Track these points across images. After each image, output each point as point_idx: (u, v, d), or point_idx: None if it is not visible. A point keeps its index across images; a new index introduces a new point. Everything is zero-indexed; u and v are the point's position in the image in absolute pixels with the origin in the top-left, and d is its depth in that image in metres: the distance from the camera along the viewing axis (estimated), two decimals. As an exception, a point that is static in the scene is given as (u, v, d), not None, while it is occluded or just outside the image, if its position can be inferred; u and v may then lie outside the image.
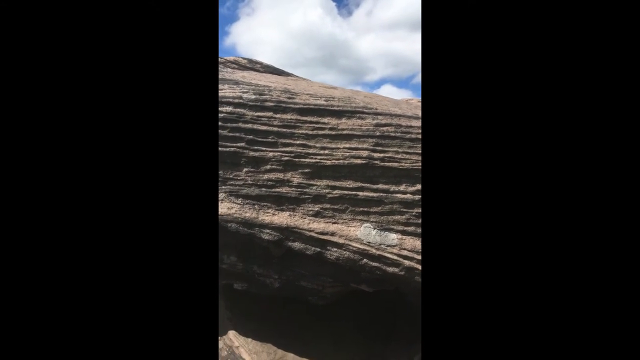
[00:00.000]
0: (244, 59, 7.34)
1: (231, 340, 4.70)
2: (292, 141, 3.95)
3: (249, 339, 4.65)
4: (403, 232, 3.84)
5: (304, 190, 3.92)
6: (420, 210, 3.78)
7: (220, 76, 5.02)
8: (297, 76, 7.08)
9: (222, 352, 4.74)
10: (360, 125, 3.94)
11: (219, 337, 4.98)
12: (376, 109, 4.07)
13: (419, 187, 3.83)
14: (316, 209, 3.91)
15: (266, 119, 3.97)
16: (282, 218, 3.89)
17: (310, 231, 3.85)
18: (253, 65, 7.06)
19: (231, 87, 4.30)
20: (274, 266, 4.19)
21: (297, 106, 4.01)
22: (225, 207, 3.91)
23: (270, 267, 4.20)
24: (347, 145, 3.91)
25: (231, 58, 7.55)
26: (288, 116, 3.99)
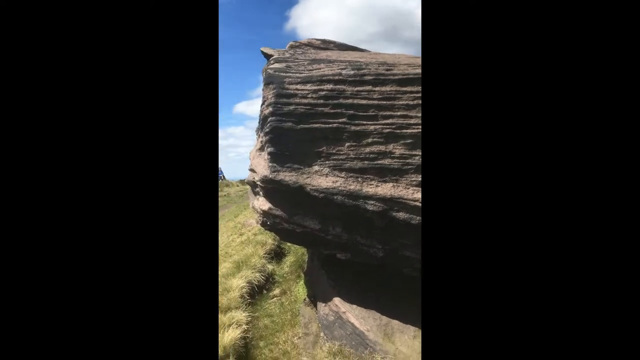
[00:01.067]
0: (316, 40, 7.42)
1: (337, 306, 5.01)
2: (392, 113, 3.98)
3: (354, 306, 4.91)
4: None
5: (407, 160, 3.95)
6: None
7: (312, 57, 5.19)
8: (370, 52, 7.00)
9: (329, 317, 5.08)
10: (464, 91, 3.81)
11: (325, 304, 5.34)
12: (480, 72, 3.90)
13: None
14: (419, 179, 3.93)
15: (365, 93, 4.04)
16: (385, 189, 3.98)
17: (414, 201, 3.89)
18: (327, 46, 7.13)
19: (328, 65, 4.43)
20: (377, 236, 4.32)
21: (396, 77, 4.00)
22: (331, 181, 4.12)
23: (374, 237, 4.34)
24: (451, 113, 3.82)
25: (305, 41, 7.69)
26: (387, 88, 4.02)
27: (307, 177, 4.21)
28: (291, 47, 9.12)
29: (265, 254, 8.09)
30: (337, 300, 5.08)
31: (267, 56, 6.14)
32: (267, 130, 4.28)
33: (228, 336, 4.67)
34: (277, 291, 6.90)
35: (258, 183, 4.72)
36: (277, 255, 8.84)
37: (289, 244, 9.39)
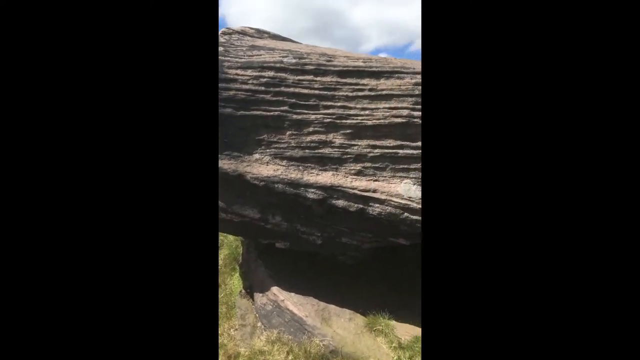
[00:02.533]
0: (250, 28, 7.29)
1: (275, 294, 5.02)
2: (333, 103, 4.08)
3: (292, 293, 4.97)
4: (442, 187, 4.05)
5: (346, 150, 4.10)
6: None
7: (249, 43, 5.08)
8: (306, 45, 7.08)
9: (267, 307, 5.08)
10: (399, 85, 4.06)
11: (262, 294, 5.31)
12: (414, 68, 4.18)
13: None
14: (358, 168, 4.10)
15: (307, 82, 4.09)
16: (325, 177, 4.09)
17: (353, 189, 4.06)
18: (261, 35, 7.03)
19: (268, 52, 4.38)
20: (317, 224, 4.43)
21: (337, 68, 4.11)
22: (272, 170, 4.10)
23: (313, 225, 4.44)
24: (387, 105, 4.05)
25: (238, 28, 7.49)
26: (328, 79, 4.11)
27: (247, 165, 4.14)
28: (224, 33, 8.78)
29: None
30: (275, 289, 5.09)
31: None
32: (204, 115, 4.11)
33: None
34: (210, 285, 6.68)
35: (193, 171, 4.52)
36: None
37: (221, 236, 9.14)
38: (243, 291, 6.11)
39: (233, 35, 6.25)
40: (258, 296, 5.41)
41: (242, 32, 6.92)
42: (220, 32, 9.99)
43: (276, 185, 4.07)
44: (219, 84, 4.02)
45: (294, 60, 4.11)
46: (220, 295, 6.28)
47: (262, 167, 4.12)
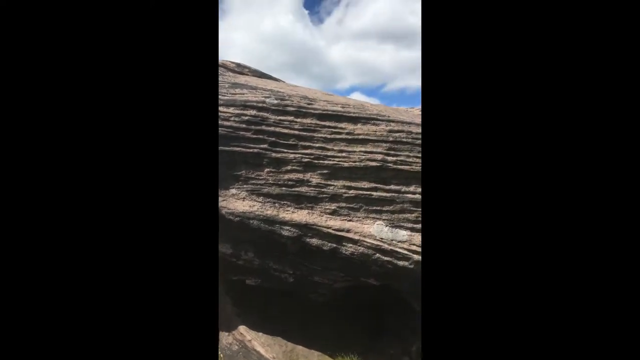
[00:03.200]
0: (231, 62, 7.51)
1: (242, 334, 4.87)
2: (311, 144, 4.24)
3: (260, 333, 4.84)
4: (412, 229, 4.21)
5: (322, 189, 4.21)
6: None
7: (231, 80, 5.23)
8: (286, 82, 7.36)
9: (233, 347, 4.90)
10: (375, 131, 4.29)
11: (228, 333, 5.12)
12: (388, 116, 4.45)
13: (426, 188, 4.23)
14: (333, 207, 4.21)
15: (287, 123, 4.23)
16: (301, 215, 4.16)
17: (327, 228, 4.13)
18: (241, 70, 7.27)
19: (251, 91, 4.53)
20: (289, 262, 4.43)
21: (317, 112, 4.31)
22: (247, 205, 4.12)
23: (286, 263, 4.43)
24: (363, 149, 4.25)
25: (220, 62, 7.71)
26: (308, 120, 4.28)
27: (223, 200, 4.14)
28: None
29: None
30: (242, 328, 4.95)
31: None
32: (183, 149, 4.12)
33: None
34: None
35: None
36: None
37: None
38: (207, 330, 5.86)
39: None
40: (224, 335, 5.21)
41: (223, 66, 7.11)
42: None
43: (251, 221, 4.07)
44: (201, 119, 4.08)
45: (275, 101, 4.27)
46: (182, 333, 5.97)
47: (238, 202, 4.14)
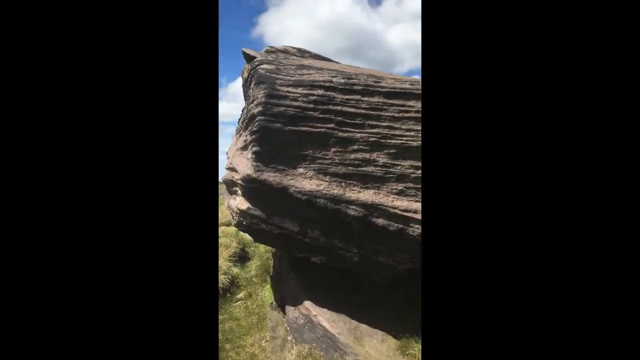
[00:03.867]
0: (293, 47, 7.56)
1: (307, 309, 5.04)
2: (378, 123, 4.17)
3: (325, 309, 4.97)
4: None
5: (389, 169, 4.14)
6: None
7: (297, 62, 5.30)
8: (349, 65, 7.25)
9: (299, 320, 5.10)
10: (446, 109, 4.09)
11: (294, 307, 5.35)
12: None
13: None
14: (400, 188, 4.13)
15: (354, 102, 4.20)
16: (367, 195, 4.14)
17: (394, 208, 4.07)
18: (302, 54, 7.29)
19: (318, 71, 4.56)
20: (354, 241, 4.45)
21: (384, 90, 4.21)
22: (314, 184, 4.20)
23: (351, 241, 4.46)
24: (433, 128, 4.08)
25: (281, 47, 7.80)
26: (375, 99, 4.21)
27: (291, 179, 4.26)
28: (267, 51, 9.16)
29: (229, 257, 7.94)
30: (307, 303, 5.12)
31: (249, 57, 6.17)
32: (254, 129, 4.30)
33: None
34: (241, 294, 6.79)
35: (238, 182, 4.70)
36: (241, 258, 8.70)
37: (252, 247, 9.30)
38: (274, 303, 6.18)
39: (279, 54, 6.54)
40: (290, 309, 5.45)
41: (285, 51, 7.23)
42: (263, 50, 10.40)
43: (318, 200, 4.15)
44: (270, 100, 4.21)
45: (342, 80, 4.25)
46: (252, 306, 6.37)
47: (305, 181, 4.23)
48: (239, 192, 5.01)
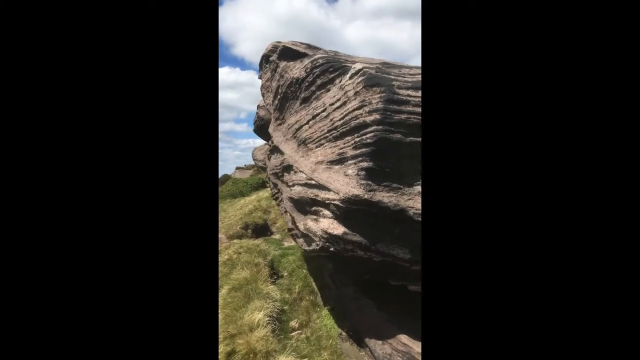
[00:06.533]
0: (301, 43, 7.00)
1: (406, 345, 4.38)
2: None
3: (425, 344, 4.34)
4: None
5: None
6: None
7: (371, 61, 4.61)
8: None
9: (395, 358, 4.43)
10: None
11: (382, 341, 4.67)
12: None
13: None
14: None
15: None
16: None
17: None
18: (311, 49, 6.67)
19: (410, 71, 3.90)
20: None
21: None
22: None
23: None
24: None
25: (289, 42, 7.19)
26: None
27: (409, 199, 3.59)
28: (275, 47, 8.39)
29: (267, 277, 7.12)
30: (403, 337, 4.46)
31: (302, 55, 5.39)
32: (367, 140, 3.56)
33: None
34: (294, 323, 6.00)
35: (335, 203, 3.93)
36: (270, 277, 7.87)
37: (283, 262, 8.49)
38: (344, 334, 5.46)
39: (313, 50, 5.83)
40: (375, 343, 4.76)
41: (295, 45, 6.54)
42: (271, 45, 9.58)
43: (444, 224, 3.50)
44: (390, 106, 3.50)
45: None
46: (312, 337, 5.61)
47: (426, 201, 3.56)
48: (325, 213, 4.24)
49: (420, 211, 3.54)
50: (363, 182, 3.61)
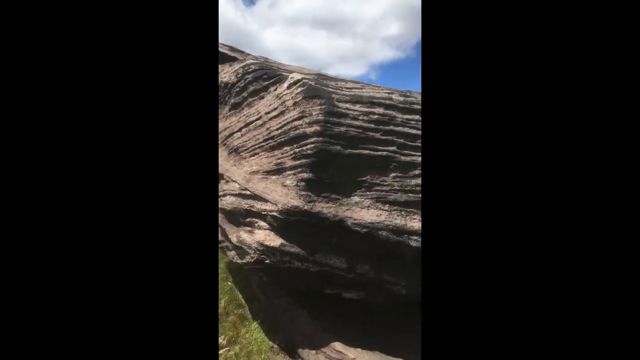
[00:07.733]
0: (224, 45, 6.91)
1: (340, 352, 4.43)
2: (439, 146, 3.89)
3: (359, 349, 4.45)
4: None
5: (449, 195, 3.90)
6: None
7: (282, 67, 4.66)
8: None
9: (332, 366, 4.45)
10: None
11: (316, 351, 4.66)
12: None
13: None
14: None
15: (414, 122, 3.84)
16: (429, 224, 3.82)
17: (456, 236, 3.85)
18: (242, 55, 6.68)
19: (373, 88, 4.04)
20: (405, 274, 4.08)
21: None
22: (374, 215, 3.70)
23: (401, 274, 4.09)
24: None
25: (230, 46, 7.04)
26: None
27: (347, 210, 3.67)
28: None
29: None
30: (337, 345, 4.51)
31: (227, 57, 5.22)
32: (307, 152, 3.55)
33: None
34: (221, 340, 5.68)
35: (273, 214, 3.83)
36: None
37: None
38: (275, 347, 5.32)
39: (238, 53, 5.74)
40: (309, 353, 4.73)
41: (220, 47, 6.41)
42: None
43: (380, 233, 3.66)
44: (331, 118, 3.54)
45: (401, 98, 3.84)
46: (242, 353, 5.38)
47: (363, 211, 3.69)
48: (261, 225, 4.11)
49: (357, 221, 3.63)
50: (303, 193, 3.59)
